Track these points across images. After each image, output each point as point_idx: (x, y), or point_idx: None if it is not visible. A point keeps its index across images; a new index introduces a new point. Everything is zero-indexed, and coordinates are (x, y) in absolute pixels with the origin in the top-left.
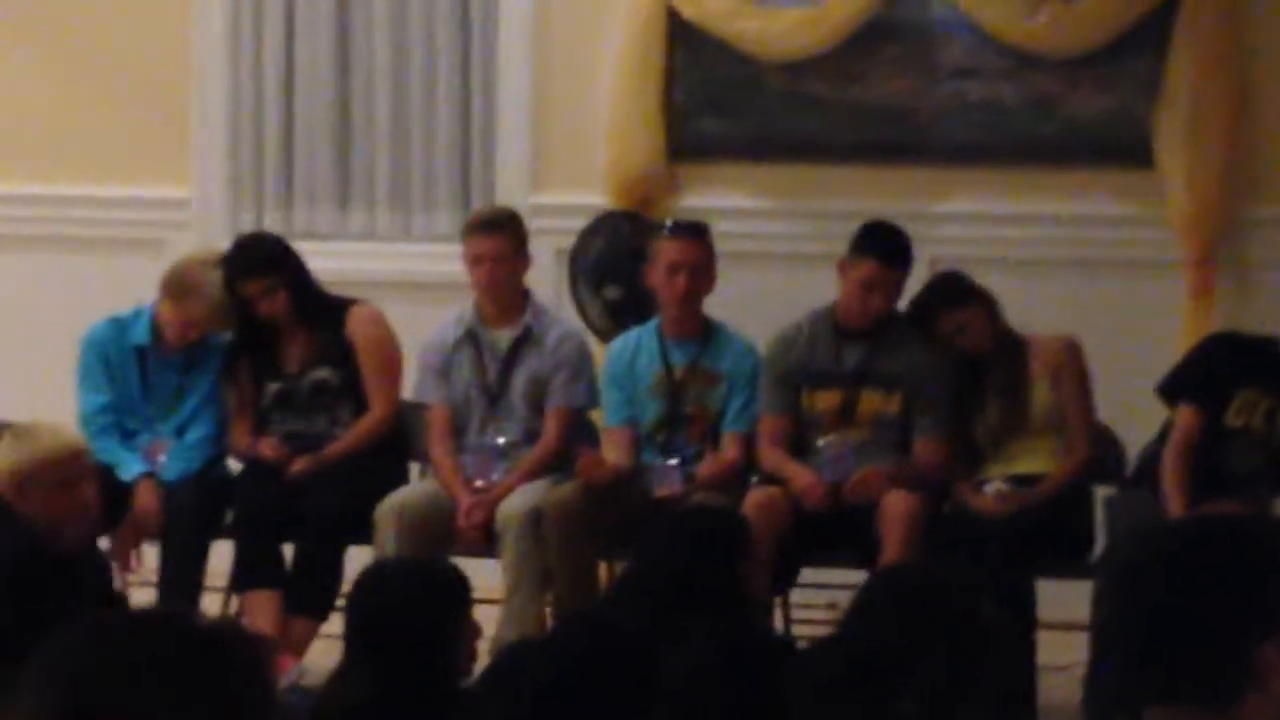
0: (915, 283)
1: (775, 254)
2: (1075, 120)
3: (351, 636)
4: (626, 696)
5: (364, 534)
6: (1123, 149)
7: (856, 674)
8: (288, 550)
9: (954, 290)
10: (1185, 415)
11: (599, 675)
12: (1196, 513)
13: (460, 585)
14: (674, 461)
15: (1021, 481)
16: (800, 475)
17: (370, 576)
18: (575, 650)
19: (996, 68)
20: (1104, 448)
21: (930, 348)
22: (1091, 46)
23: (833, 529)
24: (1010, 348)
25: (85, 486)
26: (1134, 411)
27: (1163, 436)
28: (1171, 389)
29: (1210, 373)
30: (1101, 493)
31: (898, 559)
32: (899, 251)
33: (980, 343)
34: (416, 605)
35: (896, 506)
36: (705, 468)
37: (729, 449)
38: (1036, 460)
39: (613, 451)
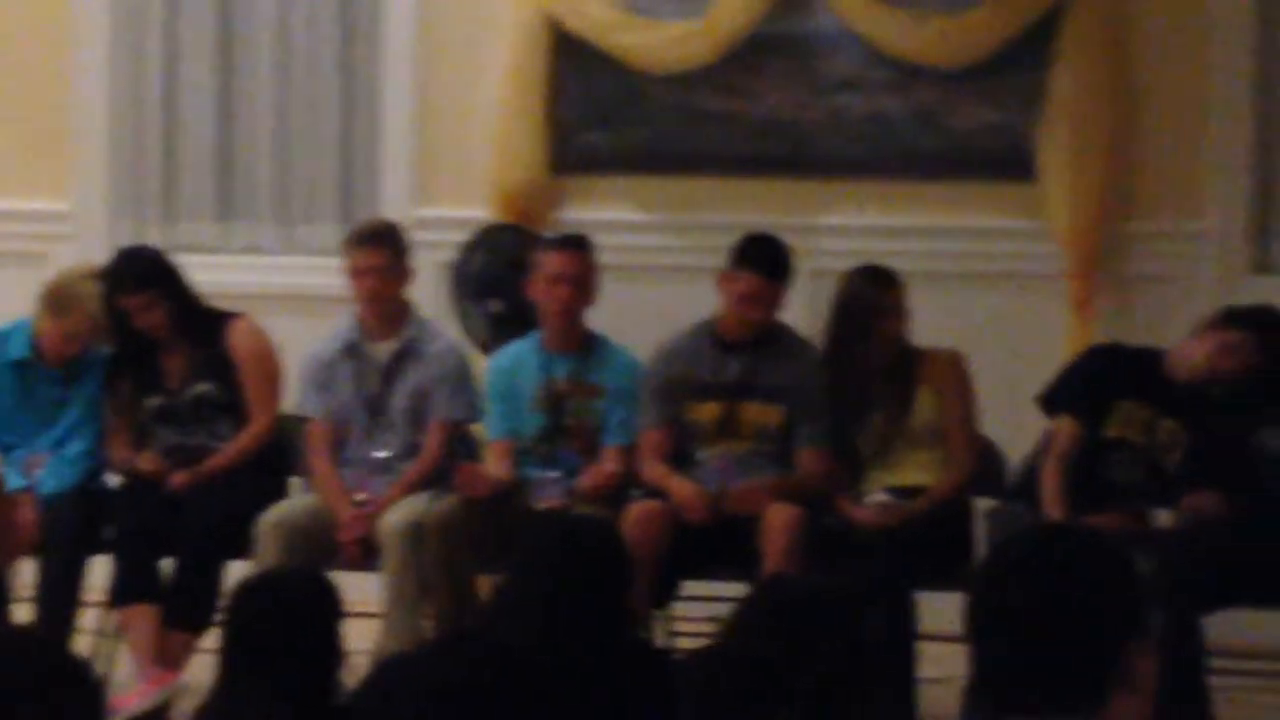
0: (795, 294)
1: (658, 267)
2: (958, 133)
3: (229, 650)
4: (506, 711)
5: (244, 548)
6: (1006, 162)
7: (735, 685)
8: (167, 564)
9: (884, 273)
10: (1064, 427)
11: (479, 689)
12: (1062, 523)
13: (335, 596)
14: (555, 474)
15: (903, 493)
16: (681, 488)
17: (247, 589)
18: (455, 664)
19: (880, 81)
20: (986, 461)
21: (812, 358)
22: (975, 60)
23: (714, 541)
24: (898, 358)
25: None
26: (1016, 423)
27: (1043, 448)
28: (1051, 400)
29: (1090, 384)
30: (982, 505)
31: (779, 570)
32: (779, 264)
33: (896, 332)
34: (294, 616)
35: (778, 518)
36: (586, 481)
37: (610, 462)
38: (918, 472)
39: (494, 465)
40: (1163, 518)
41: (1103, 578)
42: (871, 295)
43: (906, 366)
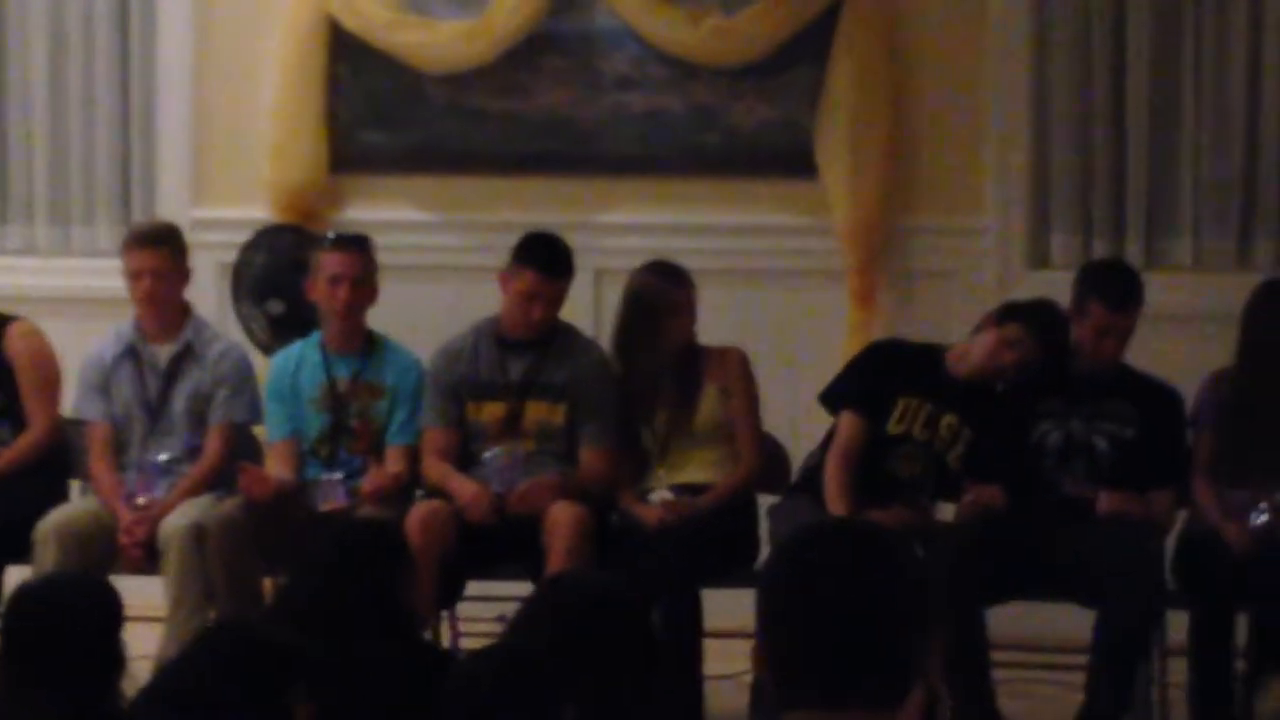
0: (578, 292)
1: (439, 266)
2: (738, 130)
3: (6, 656)
4: (271, 707)
5: (23, 552)
6: (785, 159)
7: (517, 684)
8: None
9: (673, 270)
10: (847, 423)
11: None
12: (845, 518)
13: (115, 601)
14: (338, 475)
15: (687, 490)
16: (464, 488)
17: (25, 594)
18: (213, 660)
19: (659, 78)
20: (770, 458)
21: (595, 356)
22: (753, 57)
23: (499, 541)
24: (684, 356)
25: None
26: (799, 419)
27: (826, 444)
28: (833, 397)
29: (871, 380)
30: (766, 501)
31: (563, 569)
32: (558, 262)
33: (684, 329)
34: (73, 622)
35: (562, 517)
36: (369, 481)
37: (393, 462)
38: (702, 470)
39: (276, 466)
40: (945, 512)
41: (886, 572)
42: (660, 291)
43: (692, 364)
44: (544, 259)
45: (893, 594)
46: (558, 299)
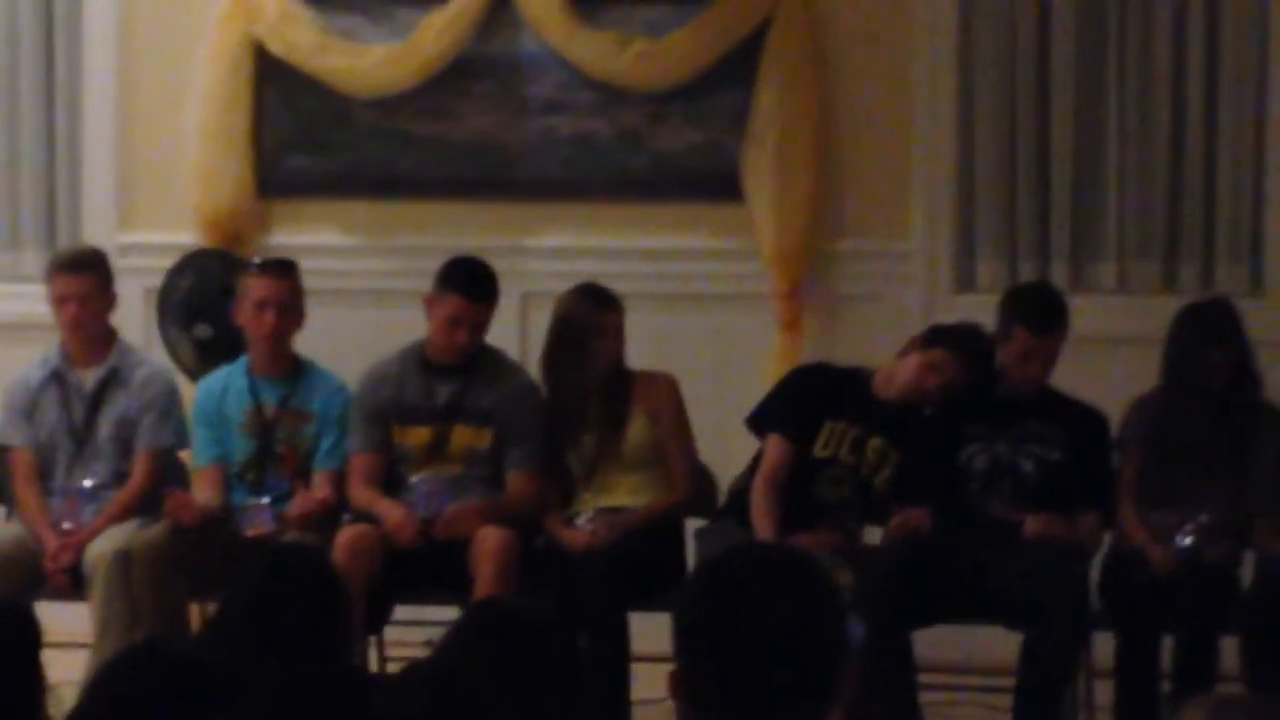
0: (505, 316)
1: (366, 291)
2: (664, 154)
3: None
4: None
5: None
6: (712, 183)
7: (443, 707)
8: None
9: (602, 293)
10: (774, 446)
11: (164, 704)
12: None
13: (35, 628)
14: (265, 500)
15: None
16: (391, 512)
17: None
18: (137, 679)
19: (586, 102)
20: (702, 485)
21: (521, 381)
22: (680, 81)
23: (426, 565)
24: (611, 379)
25: None
26: (727, 443)
27: (753, 468)
28: (760, 420)
29: (798, 404)
30: (694, 525)
31: (490, 594)
32: (483, 286)
33: (612, 352)
34: None
35: (488, 542)
36: (296, 506)
37: (320, 487)
38: (629, 495)
39: (202, 491)
40: (872, 535)
41: (804, 597)
42: (587, 314)
43: (620, 388)
44: (468, 284)
45: (810, 619)
46: (483, 324)
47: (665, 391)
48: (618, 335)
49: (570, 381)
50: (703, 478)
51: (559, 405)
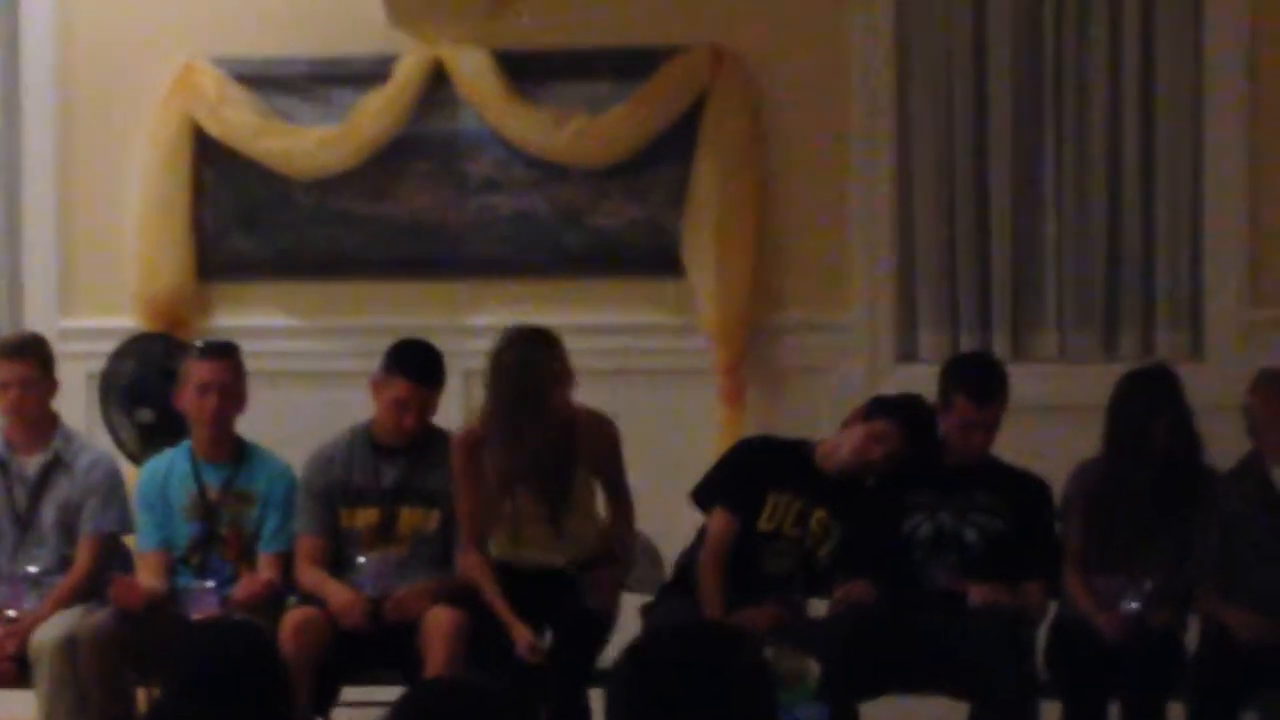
0: (448, 394)
1: (309, 372)
2: (605, 231)
3: None
4: None
5: None
6: (652, 258)
7: None
8: None
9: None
10: (718, 520)
11: None
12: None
13: None
14: (210, 584)
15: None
16: (338, 594)
17: None
18: None
19: (525, 180)
20: (644, 558)
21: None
22: (618, 158)
23: (375, 646)
24: (561, 427)
25: None
26: (671, 518)
27: (698, 542)
28: (704, 494)
29: (741, 477)
30: (638, 600)
31: (440, 673)
32: (430, 369)
33: (569, 398)
34: None
35: (438, 622)
36: (241, 589)
37: (265, 570)
38: (567, 548)
39: (147, 576)
40: (817, 608)
41: (737, 676)
42: (548, 361)
43: (567, 437)
44: (415, 367)
45: (740, 698)
46: (429, 406)
47: (609, 437)
48: (570, 377)
49: (529, 433)
50: (644, 550)
51: (514, 457)
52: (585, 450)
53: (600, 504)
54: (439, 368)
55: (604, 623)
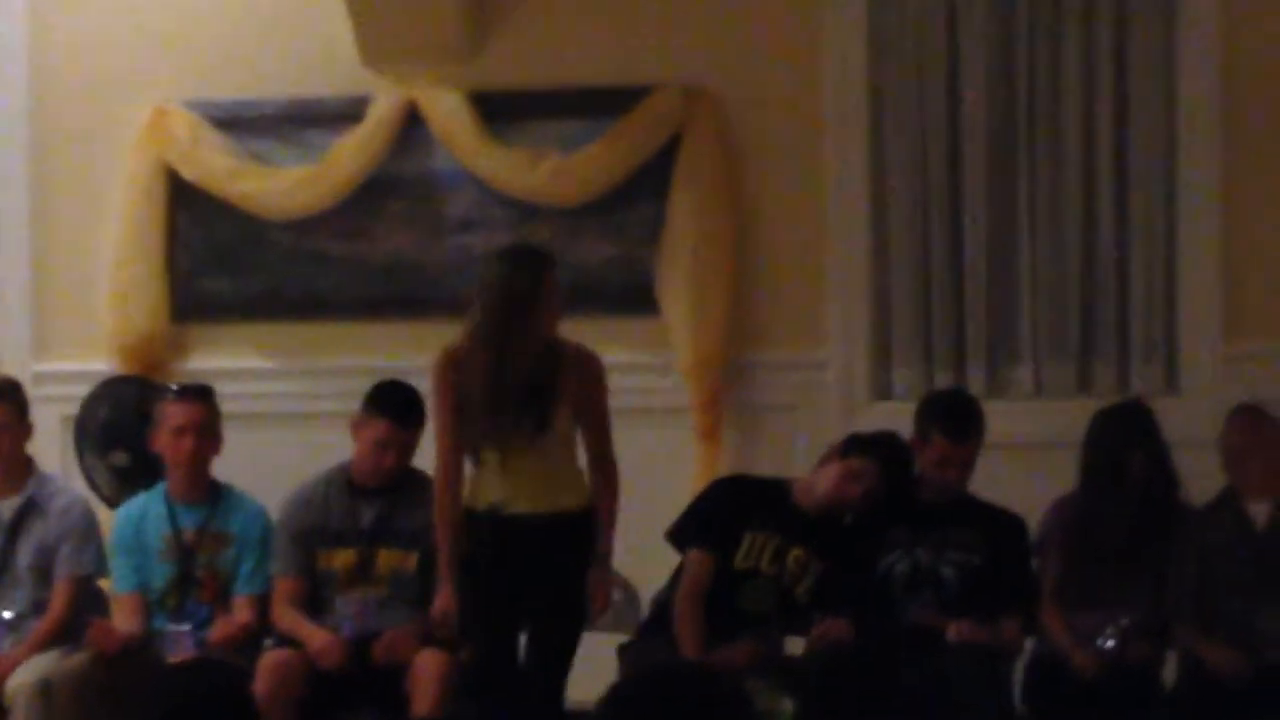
0: (427, 437)
1: (284, 413)
2: (580, 269)
3: None
4: None
5: None
6: (628, 296)
7: None
8: None
9: (540, 254)
10: (695, 560)
11: None
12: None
13: None
14: (186, 627)
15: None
16: (315, 636)
17: None
18: None
19: (501, 219)
20: (622, 598)
21: None
22: (593, 196)
23: (356, 688)
24: (545, 354)
25: None
26: (648, 558)
27: (675, 581)
28: (680, 534)
29: (717, 517)
30: (617, 640)
31: (429, 715)
32: (411, 411)
33: (556, 321)
34: None
35: (426, 663)
36: (217, 631)
37: (241, 612)
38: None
39: (123, 619)
40: (795, 646)
41: (717, 717)
42: (534, 282)
43: (552, 368)
44: (396, 408)
45: None
46: (410, 447)
47: (595, 373)
48: (560, 298)
49: (514, 356)
50: (622, 590)
51: (498, 380)
52: (569, 385)
53: (581, 457)
54: (419, 409)
55: (577, 629)
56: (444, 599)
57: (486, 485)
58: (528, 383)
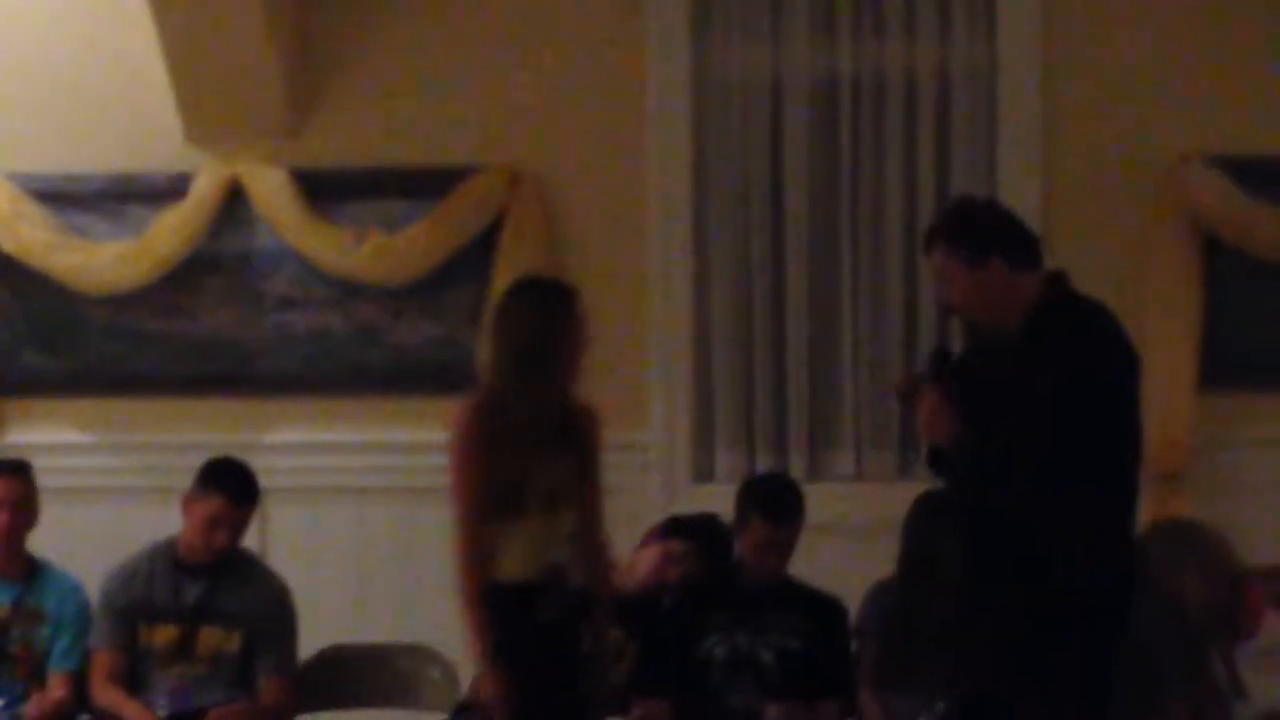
0: (259, 520)
1: (102, 488)
2: (402, 349)
3: None
4: None
5: None
6: (450, 376)
7: None
8: None
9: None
10: None
11: None
12: None
13: None
14: (0, 703)
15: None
16: (134, 713)
17: None
18: None
19: (322, 298)
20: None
21: (274, 586)
22: (415, 276)
23: None
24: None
25: None
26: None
27: None
28: None
29: None
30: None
31: None
32: (245, 488)
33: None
34: None
35: None
36: (32, 708)
37: (55, 688)
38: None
39: None
40: None
41: None
42: (576, 315)
43: (569, 417)
44: (231, 485)
45: None
46: (242, 525)
47: (598, 431)
48: (589, 340)
49: (550, 392)
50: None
51: (532, 424)
52: (581, 439)
53: None
54: (254, 487)
55: None
56: (493, 686)
57: (534, 544)
58: (561, 431)
